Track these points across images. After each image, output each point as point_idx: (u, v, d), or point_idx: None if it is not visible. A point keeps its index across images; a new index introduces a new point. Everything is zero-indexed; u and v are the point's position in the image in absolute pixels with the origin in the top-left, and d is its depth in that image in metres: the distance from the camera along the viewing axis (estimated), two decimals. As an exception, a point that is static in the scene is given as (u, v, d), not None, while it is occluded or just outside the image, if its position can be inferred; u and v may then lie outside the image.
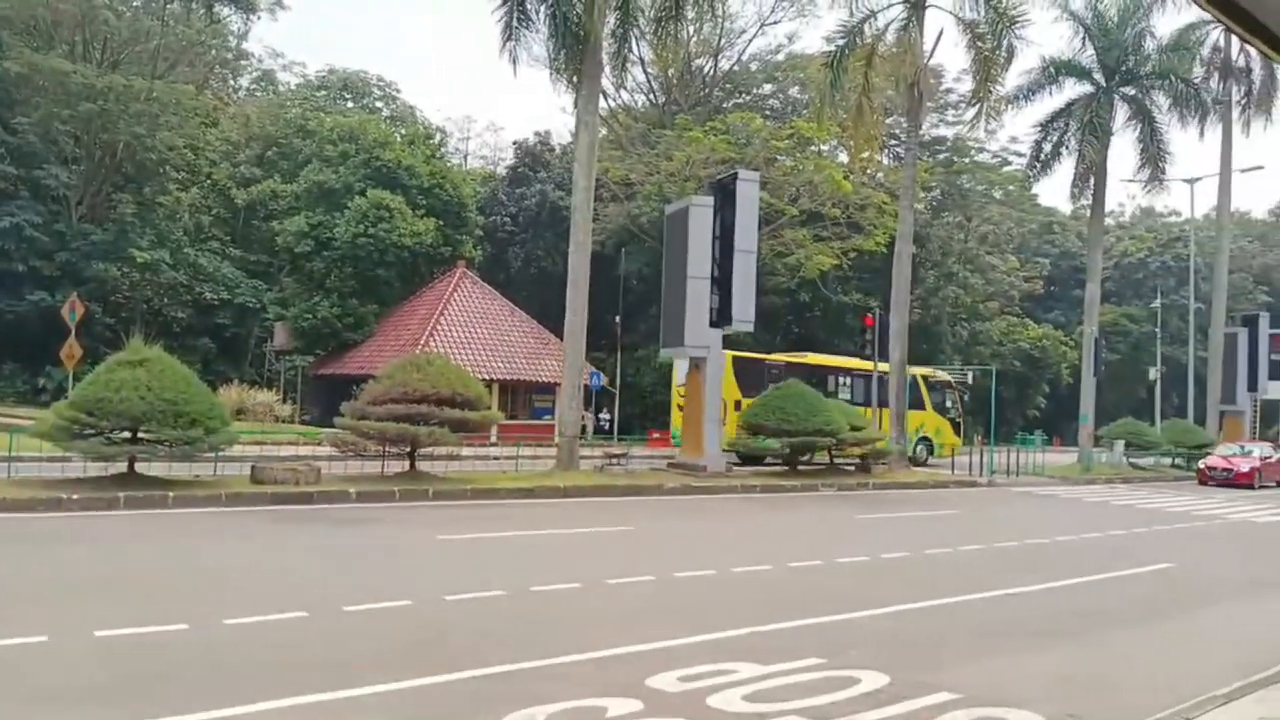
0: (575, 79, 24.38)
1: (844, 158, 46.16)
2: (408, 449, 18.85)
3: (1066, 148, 35.30)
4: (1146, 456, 36.57)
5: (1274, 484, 31.11)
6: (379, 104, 59.75)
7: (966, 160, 57.83)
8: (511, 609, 8.80)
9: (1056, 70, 34.49)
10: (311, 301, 38.02)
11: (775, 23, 55.39)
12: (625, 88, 50.44)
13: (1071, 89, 35.09)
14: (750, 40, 53.07)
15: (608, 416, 39.28)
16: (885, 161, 48.37)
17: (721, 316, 23.21)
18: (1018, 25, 27.78)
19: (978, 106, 29.66)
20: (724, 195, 23.67)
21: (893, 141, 48.34)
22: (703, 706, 6.08)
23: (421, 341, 33.73)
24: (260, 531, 13.31)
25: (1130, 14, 34.28)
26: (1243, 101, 41.22)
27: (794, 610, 8.90)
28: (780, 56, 53.88)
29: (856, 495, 22.77)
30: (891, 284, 29.67)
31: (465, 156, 64.46)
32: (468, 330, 36.63)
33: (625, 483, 20.89)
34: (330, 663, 6.75)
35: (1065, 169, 36.57)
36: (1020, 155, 53.52)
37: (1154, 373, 53.55)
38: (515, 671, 6.62)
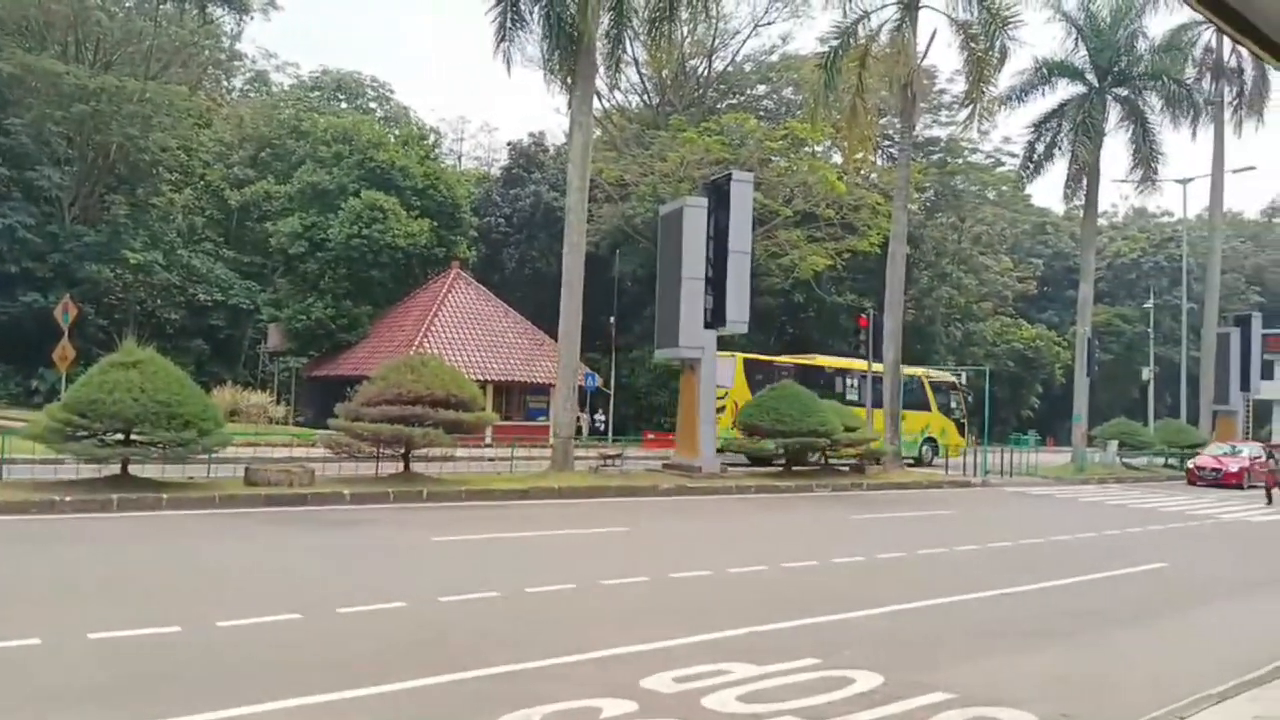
0: (569, 80, 24.38)
1: (838, 158, 46.19)
2: (402, 450, 18.82)
3: (1059, 148, 35.39)
4: (1140, 456, 36.67)
5: (1262, 484, 31.14)
6: (373, 105, 59.72)
7: (960, 161, 57.96)
8: (507, 610, 8.79)
9: (1049, 71, 34.57)
10: (305, 303, 37.95)
11: (769, 23, 55.70)
12: (619, 88, 50.46)
13: (1064, 90, 35.25)
14: (744, 41, 53.20)
15: (603, 418, 39.27)
16: (879, 162, 48.46)
17: (716, 317, 23.21)
18: (1010, 26, 27.86)
19: (971, 107, 29.76)
20: (718, 196, 23.68)
21: (886, 142, 48.44)
22: (697, 707, 6.08)
23: (416, 343, 33.68)
24: (254, 533, 13.28)
25: (1122, 15, 34.36)
26: (1235, 102, 41.33)
27: (789, 610, 8.91)
28: (774, 57, 53.99)
29: (851, 496, 22.79)
30: (885, 284, 29.72)
31: (459, 157, 64.48)
32: (462, 331, 36.59)
33: (620, 484, 20.88)
34: (325, 664, 6.74)
35: (1058, 170, 36.75)
36: (1013, 156, 53.65)
37: (1147, 373, 53.69)
38: (510, 672, 6.62)
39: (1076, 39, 34.40)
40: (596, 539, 14.36)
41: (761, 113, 51.52)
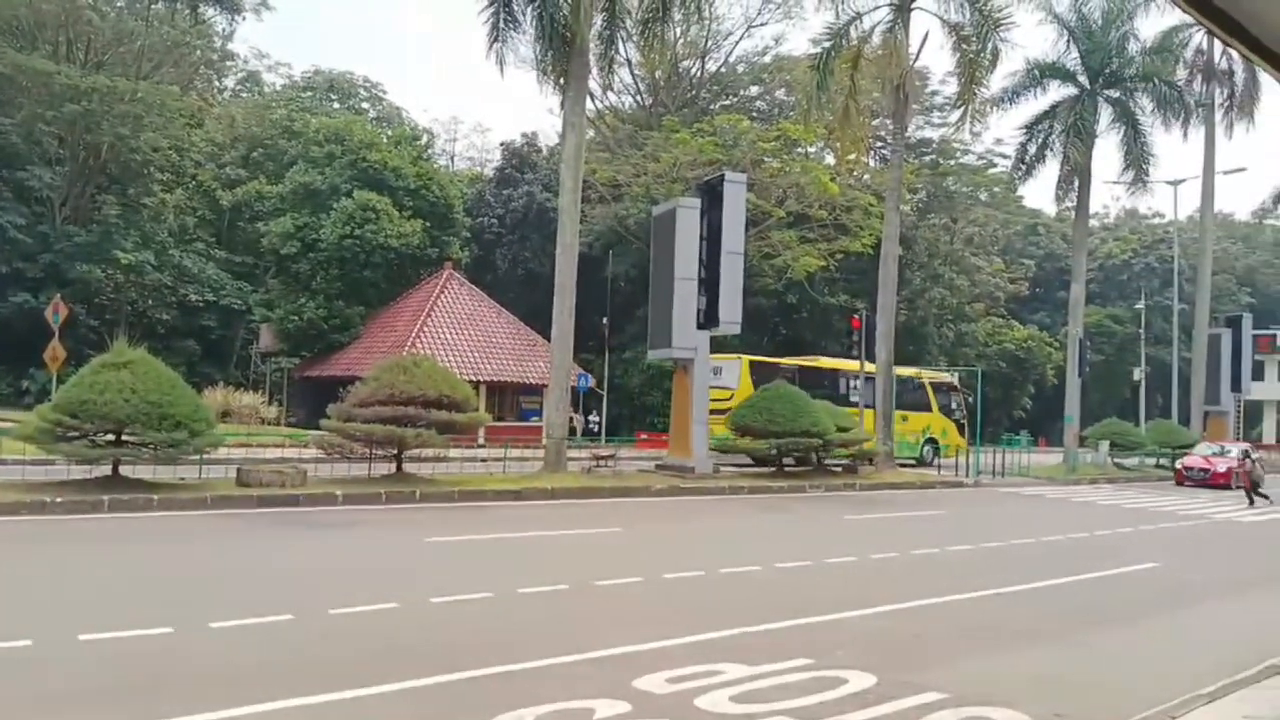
0: (562, 81, 24.36)
1: (830, 160, 46.30)
2: (395, 451, 18.78)
3: (1051, 150, 35.48)
4: (1131, 457, 36.79)
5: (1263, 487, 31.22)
6: (365, 105, 59.66)
7: (952, 162, 58.09)
8: (499, 611, 8.78)
9: (1041, 73, 34.65)
10: (297, 303, 37.87)
11: (762, 25, 55.81)
12: (612, 89, 50.42)
13: (1056, 91, 35.32)
14: (737, 42, 53.27)
15: (598, 419, 39.26)
16: (871, 163, 48.51)
17: (709, 318, 23.21)
18: (1002, 28, 27.89)
19: (963, 109, 29.77)
20: (711, 197, 23.69)
21: (879, 143, 48.47)
22: (690, 707, 6.09)
23: (408, 343, 33.63)
24: (246, 534, 13.24)
25: (1114, 17, 34.45)
26: (1225, 104, 41.52)
27: (782, 611, 8.91)
28: (767, 59, 54.07)
29: (844, 496, 22.82)
30: (878, 285, 29.75)
31: (452, 158, 64.48)
32: (455, 332, 36.55)
33: (613, 484, 20.89)
34: (317, 665, 6.73)
35: (1050, 171, 36.77)
36: (1005, 157, 53.81)
37: (1138, 373, 53.93)
38: (504, 673, 6.61)
39: (1068, 41, 34.51)
40: (590, 540, 14.35)
41: (754, 114, 51.55)
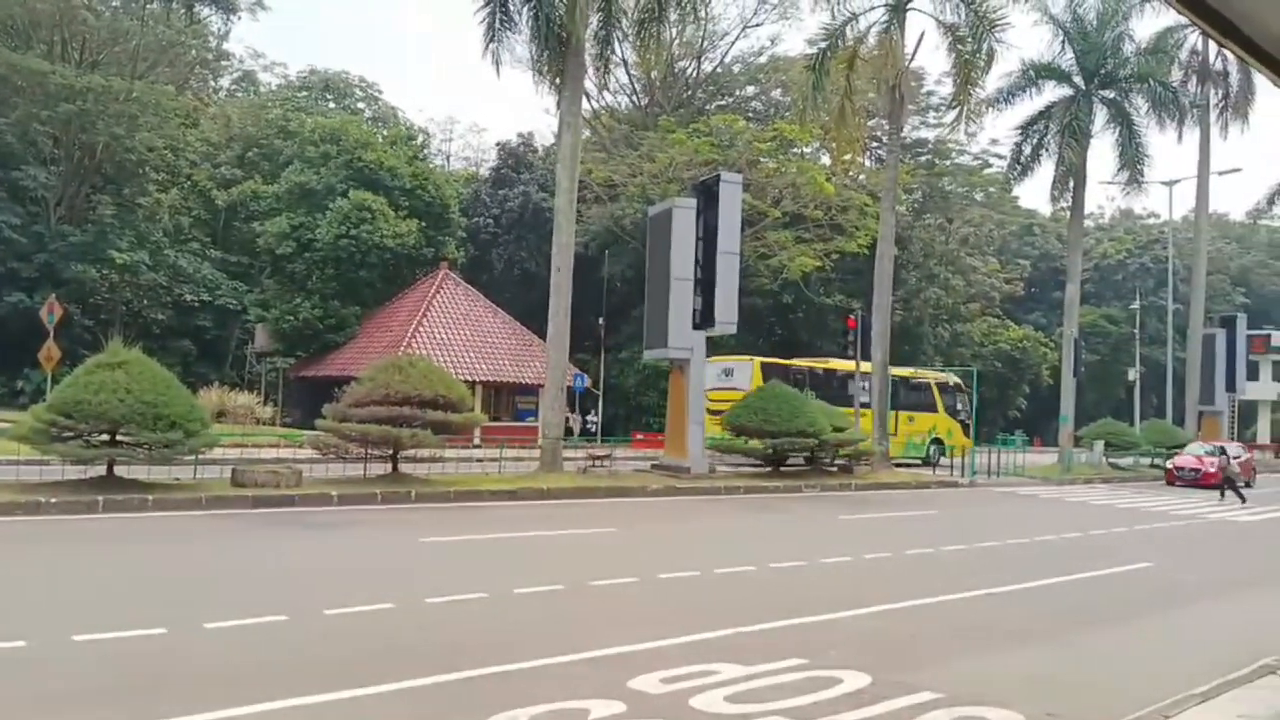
0: (558, 81, 24.35)
1: (826, 160, 46.31)
2: (390, 451, 18.76)
3: (1046, 150, 35.54)
4: (1126, 457, 36.86)
5: (1243, 484, 31.30)
6: (361, 105, 59.55)
7: (948, 162, 58.13)
8: (494, 611, 8.79)
9: (1036, 73, 34.72)
10: (293, 303, 37.81)
11: (758, 25, 55.63)
12: (608, 89, 50.53)
13: (1051, 92, 35.42)
14: (733, 42, 53.22)
15: (595, 419, 39.25)
16: (867, 164, 48.56)
17: (704, 318, 23.23)
18: (998, 28, 27.95)
19: (958, 109, 29.84)
20: (707, 197, 23.70)
21: (874, 144, 48.52)
22: (685, 707, 6.09)
23: (404, 343, 33.60)
24: (241, 534, 13.23)
25: (1109, 18, 34.54)
26: (1220, 105, 41.65)
27: (777, 611, 8.92)
28: (763, 59, 54.05)
29: (839, 496, 22.84)
30: (873, 285, 29.80)
31: (448, 158, 64.35)
32: (450, 332, 36.52)
33: (609, 484, 20.88)
34: (312, 665, 6.73)
35: (1045, 171, 36.80)
36: (1001, 158, 53.79)
37: (1133, 373, 54.01)
38: (499, 673, 6.61)
39: (1063, 42, 34.58)
40: (585, 540, 14.36)
41: (750, 114, 51.59)
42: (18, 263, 36.84)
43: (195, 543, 12.40)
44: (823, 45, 28.83)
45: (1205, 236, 45.97)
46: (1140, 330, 58.04)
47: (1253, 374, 45.57)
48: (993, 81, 33.63)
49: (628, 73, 49.51)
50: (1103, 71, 34.67)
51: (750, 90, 56.18)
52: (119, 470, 15.60)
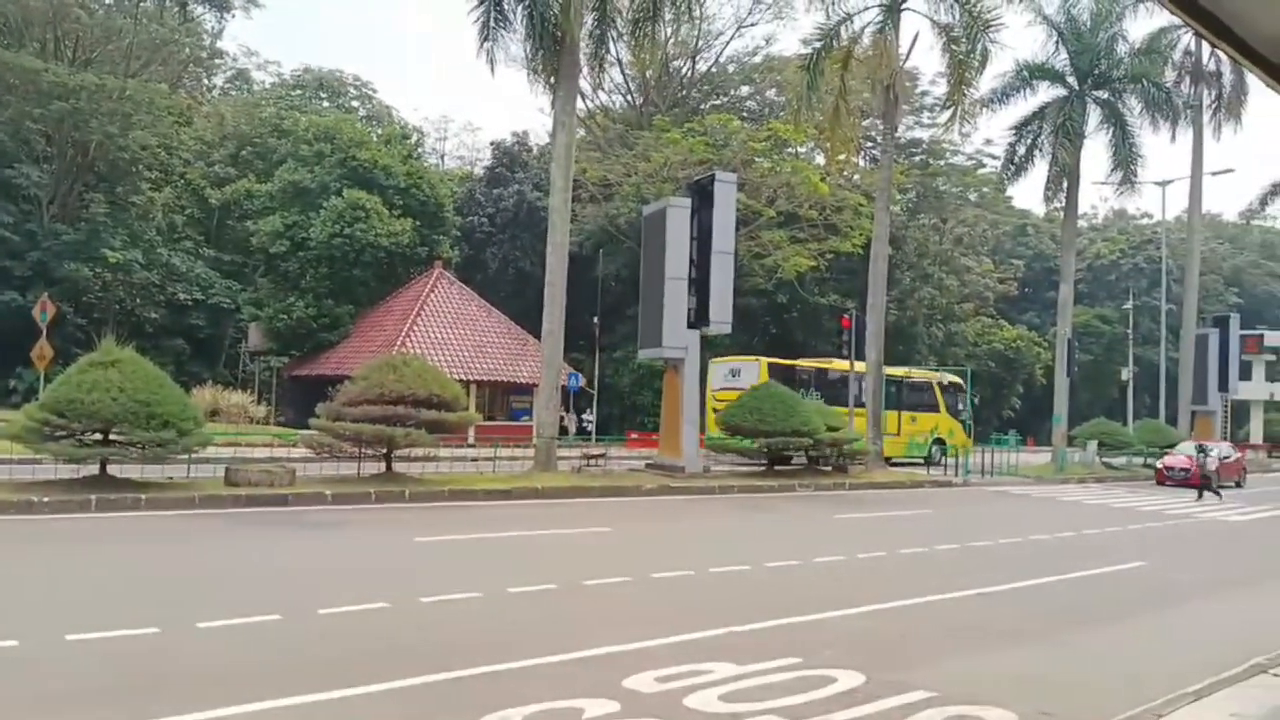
0: (552, 80, 24.34)
1: (821, 160, 46.31)
2: (384, 450, 18.74)
3: (1040, 150, 35.59)
4: (1119, 456, 36.92)
5: (1232, 484, 31.40)
6: (355, 103, 59.52)
7: (942, 163, 58.23)
8: (488, 610, 8.77)
9: (1030, 74, 34.76)
10: (286, 302, 37.76)
11: (752, 25, 55.86)
12: (603, 89, 50.50)
13: (1045, 92, 35.46)
14: (728, 42, 53.34)
15: (590, 418, 39.26)
16: (861, 163, 48.64)
17: (699, 317, 23.24)
18: (992, 29, 27.99)
19: (952, 109, 29.85)
20: (702, 196, 23.71)
21: (869, 144, 48.63)
22: (679, 707, 6.09)
23: (398, 342, 33.57)
24: (234, 534, 13.19)
25: (1103, 18, 34.58)
26: (1213, 105, 41.75)
27: (771, 610, 8.92)
28: (758, 59, 54.14)
29: (834, 495, 22.85)
30: (868, 285, 29.83)
31: (442, 157, 64.38)
32: (445, 331, 36.49)
33: (603, 484, 20.87)
34: (306, 665, 6.72)
35: (1039, 171, 36.80)
36: (995, 158, 53.94)
37: (1126, 373, 54.09)
38: (492, 673, 6.60)
39: (1057, 42, 34.61)
40: (579, 539, 14.35)
41: (745, 114, 51.62)
42: (10, 261, 36.73)
43: (188, 542, 12.37)
44: (817, 45, 28.81)
45: (1198, 237, 46.07)
46: (1133, 330, 58.16)
47: (1245, 374, 45.67)
48: (987, 82, 33.83)
49: (623, 72, 49.55)
50: (1096, 72, 34.73)
51: (745, 90, 56.25)
52: (112, 469, 15.57)
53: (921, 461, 32.53)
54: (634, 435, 36.07)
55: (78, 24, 41.32)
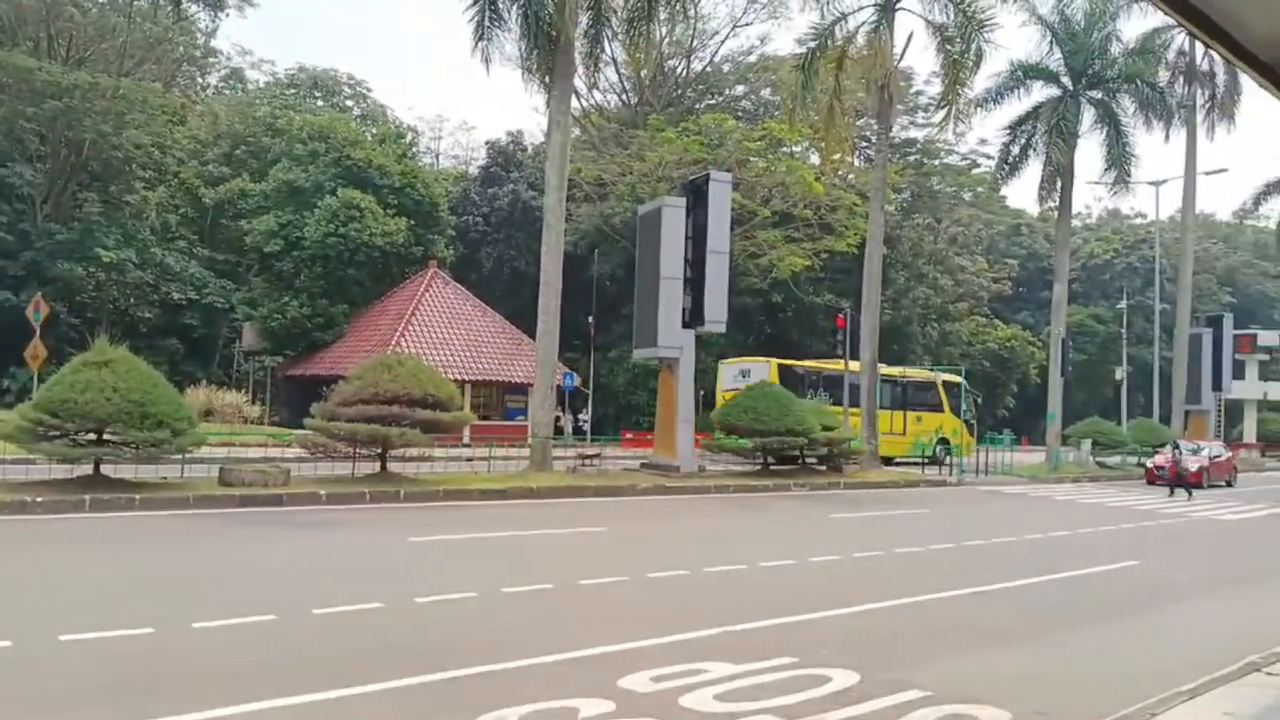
0: (547, 79, 24.33)
1: (815, 159, 46.40)
2: (379, 450, 18.72)
3: (1034, 150, 35.68)
4: (1113, 455, 37.00)
5: (1223, 483, 31.49)
6: (349, 103, 59.43)
7: (936, 162, 58.35)
8: (483, 610, 8.77)
9: (1024, 74, 34.83)
10: (281, 301, 37.69)
11: (747, 24, 55.89)
12: (598, 88, 50.51)
13: (1039, 92, 35.53)
14: (722, 41, 53.37)
15: (585, 418, 39.26)
16: (856, 163, 48.68)
17: (694, 317, 23.24)
18: (986, 29, 28.01)
19: (947, 109, 29.86)
20: (696, 196, 23.71)
21: (863, 143, 48.62)
22: (675, 706, 6.09)
23: (393, 342, 33.53)
24: (228, 534, 13.17)
25: (1097, 18, 34.65)
26: (1207, 105, 41.85)
27: (766, 609, 8.93)
28: (752, 58, 54.18)
29: (829, 495, 22.87)
30: (863, 284, 29.86)
31: (437, 156, 64.35)
32: (439, 330, 36.46)
33: (598, 483, 20.88)
34: (300, 665, 6.71)
35: (1033, 171, 36.94)
36: (989, 157, 54.12)
37: (1120, 373, 54.27)
38: (487, 673, 6.60)
39: (1051, 42, 34.69)
40: (574, 539, 14.34)
41: (740, 113, 51.66)
42: (4, 261, 36.62)
43: (183, 542, 12.35)
44: (812, 45, 28.83)
45: (1192, 236, 46.22)
46: (1127, 330, 58.34)
47: (1239, 373, 45.81)
48: (981, 82, 33.77)
49: (617, 71, 49.52)
50: (1090, 72, 34.80)
51: (740, 89, 56.30)
52: (106, 469, 15.54)
53: (927, 461, 32.52)
54: (629, 435, 36.07)
55: (71, 22, 41.17)
